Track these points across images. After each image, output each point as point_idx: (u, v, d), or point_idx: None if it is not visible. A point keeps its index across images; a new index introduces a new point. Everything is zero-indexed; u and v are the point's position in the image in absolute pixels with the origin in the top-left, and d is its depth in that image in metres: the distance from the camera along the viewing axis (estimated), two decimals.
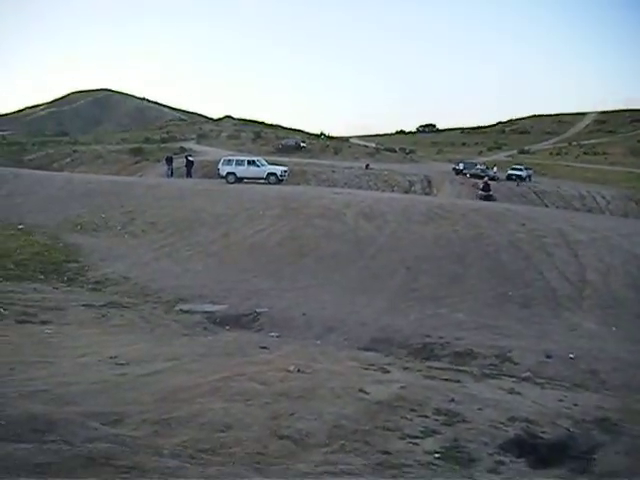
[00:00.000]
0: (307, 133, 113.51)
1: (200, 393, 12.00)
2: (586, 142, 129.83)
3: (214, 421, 10.48)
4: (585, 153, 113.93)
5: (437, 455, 9.07)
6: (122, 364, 13.79)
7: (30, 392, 11.40)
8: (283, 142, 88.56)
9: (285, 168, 49.34)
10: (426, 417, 10.72)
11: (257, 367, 13.91)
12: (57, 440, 6.25)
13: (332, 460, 8.84)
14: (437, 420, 10.57)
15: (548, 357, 17.19)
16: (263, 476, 6.92)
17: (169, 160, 55.59)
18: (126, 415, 10.46)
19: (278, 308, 21.60)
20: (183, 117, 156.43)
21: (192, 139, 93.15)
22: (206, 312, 20.78)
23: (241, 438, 9.79)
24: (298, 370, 13.82)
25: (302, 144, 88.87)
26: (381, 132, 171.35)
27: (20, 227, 34.05)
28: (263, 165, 47.46)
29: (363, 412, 11.06)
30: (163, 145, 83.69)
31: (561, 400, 12.45)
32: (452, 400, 11.67)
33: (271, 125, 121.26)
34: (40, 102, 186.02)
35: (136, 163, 70.91)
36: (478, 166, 72.50)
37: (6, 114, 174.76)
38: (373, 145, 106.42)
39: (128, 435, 7.62)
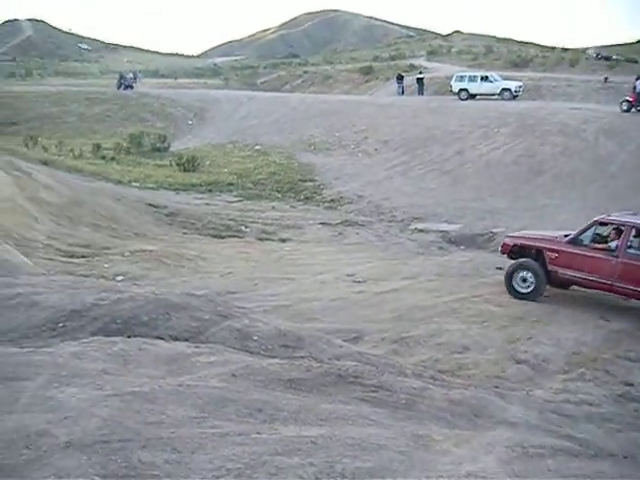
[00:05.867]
0: (540, 46, 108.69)
1: (437, 313, 12.03)
2: None
3: (451, 342, 10.50)
4: None
5: None
6: (359, 282, 14.09)
7: (273, 307, 11.95)
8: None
9: (520, 83, 47.35)
10: None
11: (493, 289, 13.75)
12: (307, 357, 6.45)
13: (571, 388, 8.61)
14: None
15: None
16: (505, 402, 6.79)
17: (400, 78, 55.28)
18: (365, 332, 10.71)
19: (514, 228, 20.90)
20: (411, 34, 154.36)
21: (421, 56, 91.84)
22: (441, 231, 20.67)
23: (479, 360, 9.74)
24: None
25: None
26: (620, 41, 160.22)
27: (257, 148, 35.44)
28: (497, 80, 45.76)
29: (603, 339, 10.73)
30: (392, 63, 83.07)
31: None
32: None
33: (503, 39, 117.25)
34: (269, 26, 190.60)
35: (366, 82, 71.00)
36: None
37: (238, 39, 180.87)
38: (612, 56, 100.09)
39: (371, 354, 7.74)
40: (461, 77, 46.13)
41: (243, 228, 20.45)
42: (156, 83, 72.79)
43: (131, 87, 56.47)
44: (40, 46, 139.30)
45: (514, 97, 43.94)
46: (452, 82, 46.10)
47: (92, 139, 37.75)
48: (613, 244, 12.46)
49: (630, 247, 12.21)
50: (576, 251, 12.79)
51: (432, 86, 53.69)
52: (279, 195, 26.28)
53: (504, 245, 14.38)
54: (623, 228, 12.41)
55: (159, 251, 16.49)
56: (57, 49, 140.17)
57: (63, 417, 4.26)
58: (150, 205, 21.55)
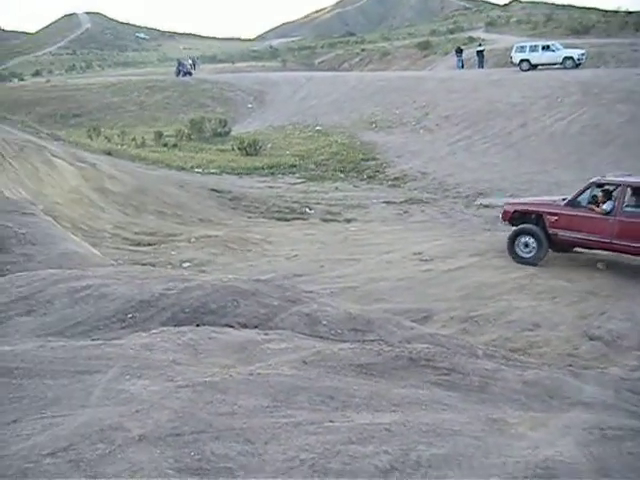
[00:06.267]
0: (602, 11, 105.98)
1: (505, 290, 11.88)
2: None
3: (522, 319, 10.34)
4: None
5: None
6: (426, 260, 13.98)
7: (340, 289, 11.92)
8: None
9: (582, 51, 46.23)
10: None
11: (562, 263, 13.59)
12: (377, 340, 6.37)
13: None
14: None
15: None
16: (580, 381, 6.61)
17: (459, 51, 54.56)
18: (434, 312, 10.61)
19: None
20: (468, 5, 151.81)
21: (480, 28, 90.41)
22: None
23: (550, 338, 9.58)
24: (607, 267, 13.25)
25: None
26: None
27: (318, 128, 35.39)
28: (558, 49, 44.73)
29: None
30: (451, 36, 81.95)
31: None
32: None
33: (563, 6, 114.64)
34: (324, 5, 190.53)
35: (424, 57, 70.25)
36: None
37: (293, 21, 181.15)
38: None
39: (441, 334, 7.63)
40: (522, 47, 45.12)
41: (307, 210, 20.46)
42: (214, 68, 73.32)
43: (190, 73, 56.89)
44: (99, 38, 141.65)
45: (577, 65, 42.88)
46: (512, 53, 45.16)
47: (153, 127, 38.24)
48: (607, 206, 12.83)
49: (627, 206, 12.69)
50: (575, 213, 13.24)
51: (492, 58, 52.84)
52: (342, 175, 26.21)
53: (504, 212, 14.81)
54: (619, 188, 12.79)
55: (224, 236, 16.62)
56: (115, 40, 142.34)
57: (135, 410, 4.27)
58: (214, 190, 21.70)
